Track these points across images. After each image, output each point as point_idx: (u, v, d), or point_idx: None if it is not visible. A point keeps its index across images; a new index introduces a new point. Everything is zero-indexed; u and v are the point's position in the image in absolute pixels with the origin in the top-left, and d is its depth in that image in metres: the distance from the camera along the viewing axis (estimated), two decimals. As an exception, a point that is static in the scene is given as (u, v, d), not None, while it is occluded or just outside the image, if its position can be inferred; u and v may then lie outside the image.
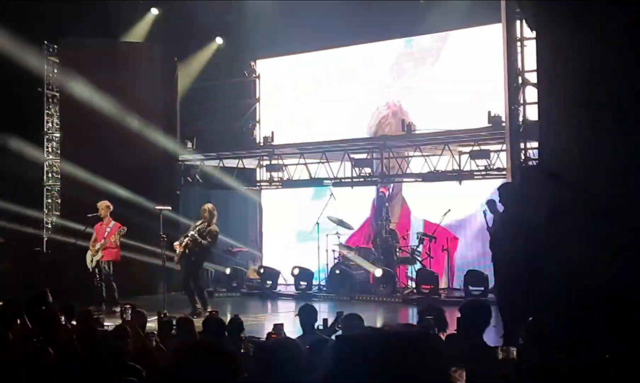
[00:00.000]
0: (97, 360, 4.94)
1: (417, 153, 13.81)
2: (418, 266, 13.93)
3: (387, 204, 14.96)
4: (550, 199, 7.85)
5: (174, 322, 7.22)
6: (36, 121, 15.44)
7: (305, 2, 14.64)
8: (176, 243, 11.81)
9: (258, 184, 16.47)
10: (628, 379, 4.53)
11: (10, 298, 7.62)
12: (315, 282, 14.82)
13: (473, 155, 12.82)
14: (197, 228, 11.72)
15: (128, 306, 7.33)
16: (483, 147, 12.79)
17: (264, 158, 15.81)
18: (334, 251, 14.76)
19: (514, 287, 8.37)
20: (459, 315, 6.36)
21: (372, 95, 15.78)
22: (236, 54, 16.62)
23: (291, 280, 15.07)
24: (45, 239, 15.54)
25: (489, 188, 12.67)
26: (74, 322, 7.27)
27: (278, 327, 6.47)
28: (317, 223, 14.74)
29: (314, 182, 15.01)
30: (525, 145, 10.76)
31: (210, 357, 2.66)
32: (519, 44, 10.62)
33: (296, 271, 14.79)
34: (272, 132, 15.76)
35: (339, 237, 14.96)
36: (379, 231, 14.71)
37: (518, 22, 10.56)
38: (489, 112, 12.31)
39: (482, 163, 12.83)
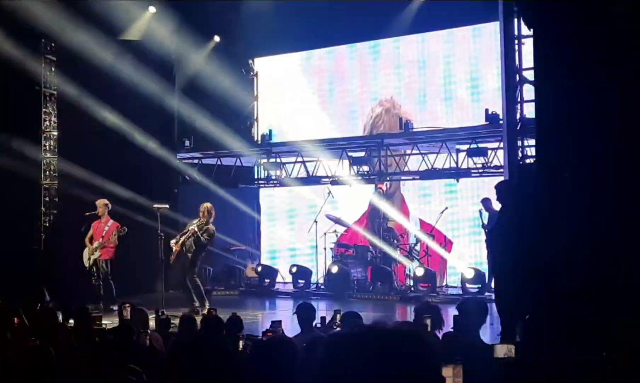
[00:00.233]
0: (98, 358, 4.95)
1: (414, 150, 13.82)
2: (416, 264, 13.94)
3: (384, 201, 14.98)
4: (548, 196, 7.86)
5: (172, 320, 7.23)
6: (34, 119, 15.40)
7: (304, 1, 14.64)
8: (173, 242, 11.81)
9: (256, 182, 16.46)
10: (626, 377, 4.54)
11: (7, 297, 7.61)
12: (313, 280, 14.83)
13: (470, 153, 12.84)
14: (196, 225, 11.74)
15: (128, 305, 7.34)
16: (480, 145, 12.80)
17: (262, 156, 15.80)
18: (331, 249, 14.77)
19: (511, 285, 8.38)
20: (456, 313, 6.38)
21: (370, 93, 15.78)
22: (234, 52, 16.59)
23: (289, 278, 15.08)
24: (43, 237, 15.50)
25: (487, 185, 12.69)
26: (71, 321, 7.27)
27: (275, 325, 6.48)
28: (315, 221, 14.75)
29: (312, 180, 15.01)
30: (522, 143, 10.78)
31: (207, 355, 2.67)
32: (516, 42, 10.63)
33: (294, 270, 14.80)
34: (270, 131, 15.75)
35: (337, 235, 14.98)
36: (376, 228, 14.72)
37: (516, 20, 10.56)
38: (487, 110, 12.32)
39: (479, 160, 12.84)
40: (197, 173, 16.09)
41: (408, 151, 14.23)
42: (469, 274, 13.04)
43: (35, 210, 14.93)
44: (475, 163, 12.91)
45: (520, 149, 10.79)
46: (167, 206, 13.15)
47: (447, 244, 14.13)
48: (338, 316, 7.28)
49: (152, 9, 16.01)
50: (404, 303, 12.95)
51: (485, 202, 13.10)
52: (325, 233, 14.73)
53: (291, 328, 7.45)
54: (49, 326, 6.02)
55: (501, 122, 11.24)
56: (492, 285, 10.68)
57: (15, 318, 6.85)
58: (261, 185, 16.59)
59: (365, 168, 14.30)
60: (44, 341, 5.04)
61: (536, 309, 7.56)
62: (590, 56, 7.42)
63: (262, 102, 17.43)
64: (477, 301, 7.18)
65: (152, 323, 7.93)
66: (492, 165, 12.66)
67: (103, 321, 9.02)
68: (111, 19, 14.55)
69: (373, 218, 15.23)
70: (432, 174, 13.62)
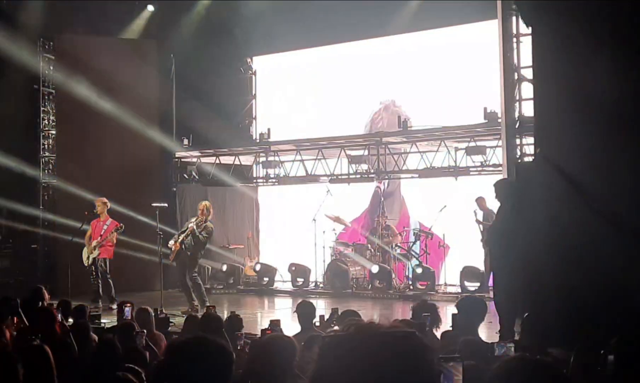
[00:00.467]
0: (97, 357, 4.95)
1: (413, 149, 13.83)
2: (415, 262, 13.95)
3: (382, 199, 14.98)
4: (547, 194, 7.86)
5: (170, 319, 7.23)
6: (32, 118, 15.40)
7: (302, 0, 14.64)
8: (172, 241, 11.80)
9: (254, 181, 16.47)
10: (624, 374, 4.54)
11: (6, 295, 7.61)
12: (312, 279, 14.83)
13: (469, 151, 12.84)
14: (195, 223, 11.75)
15: (128, 304, 7.33)
16: (479, 143, 12.81)
17: (261, 154, 15.80)
18: (330, 247, 14.78)
19: (509, 283, 8.39)
20: (455, 311, 6.37)
21: (368, 92, 15.77)
22: (233, 51, 16.58)
23: (288, 277, 15.08)
24: (42, 236, 15.50)
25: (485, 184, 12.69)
26: (70, 319, 7.27)
27: (274, 323, 6.47)
28: (314, 220, 14.75)
29: (311, 179, 15.02)
30: (521, 141, 10.79)
31: (204, 353, 2.66)
32: (514, 40, 10.64)
33: (293, 268, 14.81)
34: (269, 129, 15.74)
35: (335, 234, 14.99)
36: (375, 227, 14.73)
37: (514, 18, 10.57)
38: (485, 109, 12.33)
39: (478, 159, 12.85)
40: (196, 171, 16.08)
41: (406, 149, 14.22)
42: (468, 272, 13.05)
43: (34, 209, 14.93)
44: (473, 161, 12.92)
45: (519, 147, 10.81)
46: (166, 204, 13.15)
47: (445, 249, 14.11)
48: (336, 315, 7.29)
49: (150, 8, 16.01)
50: (403, 301, 12.96)
51: (480, 201, 13.12)
52: (324, 232, 14.73)
53: (290, 326, 7.45)
54: (48, 325, 6.02)
55: (500, 120, 11.24)
56: (491, 283, 10.69)
57: (15, 318, 6.85)
58: (260, 183, 16.59)
59: (364, 166, 14.30)
60: (43, 340, 5.03)
61: (535, 307, 7.57)
62: (588, 53, 7.42)
63: (261, 100, 17.42)
64: (476, 300, 7.17)
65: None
66: (490, 163, 12.66)
67: (102, 320, 9.04)
68: (110, 18, 14.56)
69: (372, 217, 15.24)
70: (430, 172, 13.62)
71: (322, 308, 10.69)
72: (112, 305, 11.94)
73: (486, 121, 12.37)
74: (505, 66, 10.51)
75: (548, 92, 8.24)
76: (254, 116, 17.41)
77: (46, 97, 15.78)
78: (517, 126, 10.70)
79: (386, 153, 14.16)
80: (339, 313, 7.27)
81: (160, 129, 15.48)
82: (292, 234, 15.99)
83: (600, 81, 7.27)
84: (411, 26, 14.68)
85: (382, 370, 1.63)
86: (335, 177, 14.56)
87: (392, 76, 15.47)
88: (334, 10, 14.47)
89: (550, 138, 8.14)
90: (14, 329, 6.38)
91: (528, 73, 9.95)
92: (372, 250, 14.49)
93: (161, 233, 11.79)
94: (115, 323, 7.50)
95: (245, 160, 16.11)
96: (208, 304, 10.54)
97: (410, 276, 13.93)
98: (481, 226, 12.93)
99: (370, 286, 14.00)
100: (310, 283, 14.72)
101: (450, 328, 6.35)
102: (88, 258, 12.54)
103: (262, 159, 15.69)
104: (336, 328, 6.68)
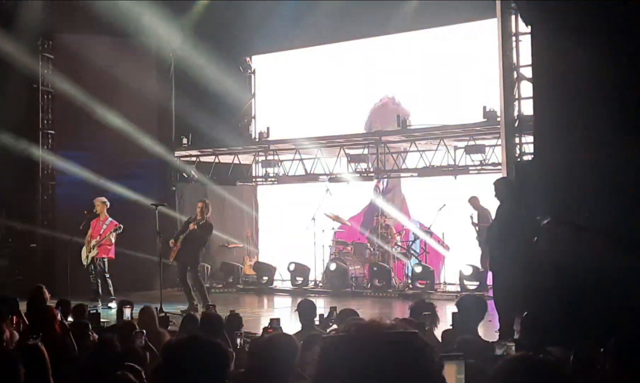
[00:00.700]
0: (97, 357, 4.95)
1: (412, 148, 13.83)
2: (414, 261, 13.95)
3: (380, 197, 14.98)
4: (546, 193, 7.87)
5: (170, 318, 7.23)
6: (31, 117, 15.38)
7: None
8: (172, 240, 11.80)
9: (254, 180, 16.46)
10: (623, 372, 4.55)
11: (5, 295, 7.61)
12: (311, 278, 14.83)
13: (468, 150, 12.85)
14: (194, 222, 11.75)
15: (128, 305, 7.33)
16: (478, 142, 12.81)
17: (260, 153, 15.80)
18: (330, 246, 14.78)
19: (509, 282, 8.39)
20: (454, 310, 6.38)
21: (368, 91, 15.77)
22: (232, 50, 16.57)
23: (287, 276, 15.08)
24: (41, 235, 15.48)
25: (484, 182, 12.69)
26: (70, 318, 7.26)
27: (274, 322, 6.47)
28: (313, 219, 14.75)
29: (310, 178, 15.02)
30: (520, 140, 10.79)
31: (199, 353, 2.66)
32: (514, 39, 10.64)
33: (292, 267, 14.80)
34: (268, 128, 15.75)
35: (335, 233, 14.98)
36: (374, 226, 14.73)
37: (513, 17, 10.57)
38: (484, 107, 12.34)
39: (477, 157, 12.85)
40: (195, 170, 16.08)
41: (407, 148, 14.23)
42: (467, 271, 13.05)
43: (34, 208, 14.91)
44: (473, 160, 12.92)
45: (518, 146, 10.81)
46: (165, 203, 13.14)
47: (444, 248, 14.12)
48: (335, 313, 7.29)
49: (149, 8, 15.98)
50: (402, 300, 12.96)
51: (473, 200, 13.11)
52: (323, 230, 14.73)
53: (290, 325, 7.46)
54: (48, 324, 6.01)
55: (499, 119, 11.25)
56: (489, 282, 10.69)
57: (15, 317, 6.85)
58: (259, 182, 16.59)
59: (363, 165, 14.31)
60: (41, 339, 5.03)
61: (534, 306, 7.57)
62: (587, 52, 7.43)
63: (260, 99, 17.42)
64: (476, 298, 7.18)
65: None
66: (490, 162, 12.67)
67: (101, 320, 9.02)
68: (109, 18, 14.52)
69: (371, 215, 15.24)
70: (429, 171, 13.62)
71: (321, 307, 10.69)
72: (110, 304, 11.96)
73: (485, 119, 12.38)
74: (504, 64, 10.52)
75: (547, 91, 8.24)
76: (253, 115, 17.40)
77: (45, 96, 15.76)
78: (516, 125, 10.70)
79: (385, 151, 14.16)
80: (337, 311, 7.27)
81: (160, 128, 15.46)
82: (292, 233, 15.98)
83: (599, 80, 7.28)
84: (411, 25, 14.68)
85: (384, 370, 1.63)
86: (334, 176, 14.56)
87: (391, 75, 15.46)
88: (333, 9, 14.45)
89: (549, 136, 8.14)
90: (13, 328, 6.38)
91: (527, 72, 9.97)
92: (372, 249, 14.49)
93: (160, 232, 11.78)
94: (115, 323, 7.50)
95: (245, 159, 16.11)
96: (209, 303, 10.55)
97: (410, 275, 13.93)
98: (477, 227, 12.90)
99: (369, 285, 14.00)
100: (309, 282, 14.72)
101: (450, 327, 6.36)
102: (87, 257, 12.54)
103: (262, 158, 15.69)
104: (335, 327, 6.68)
